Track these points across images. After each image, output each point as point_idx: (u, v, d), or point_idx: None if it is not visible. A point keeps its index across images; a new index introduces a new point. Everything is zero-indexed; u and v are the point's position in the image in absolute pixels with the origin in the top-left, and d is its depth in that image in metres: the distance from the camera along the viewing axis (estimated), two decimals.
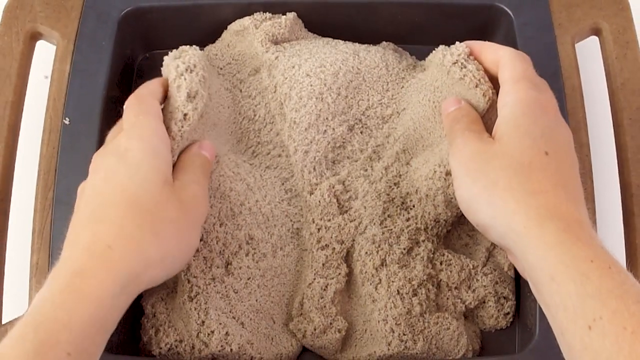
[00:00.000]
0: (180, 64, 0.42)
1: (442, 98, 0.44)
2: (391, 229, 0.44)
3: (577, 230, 0.34)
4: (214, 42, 0.52)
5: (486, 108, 0.41)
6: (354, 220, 0.45)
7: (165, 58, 0.45)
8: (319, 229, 0.45)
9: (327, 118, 0.46)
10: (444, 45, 0.45)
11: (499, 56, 0.41)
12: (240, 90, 0.49)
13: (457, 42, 0.44)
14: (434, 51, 0.46)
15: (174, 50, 0.45)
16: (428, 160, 0.44)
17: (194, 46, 0.46)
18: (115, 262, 0.34)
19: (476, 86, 0.41)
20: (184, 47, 0.45)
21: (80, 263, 0.33)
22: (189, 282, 0.41)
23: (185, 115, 0.41)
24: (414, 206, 0.45)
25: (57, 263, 0.34)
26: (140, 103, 0.40)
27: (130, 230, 0.35)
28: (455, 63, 0.43)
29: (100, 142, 0.45)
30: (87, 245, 0.34)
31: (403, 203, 0.46)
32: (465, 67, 0.42)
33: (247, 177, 0.45)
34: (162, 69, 0.46)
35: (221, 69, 0.50)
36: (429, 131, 0.46)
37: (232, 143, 0.47)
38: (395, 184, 0.46)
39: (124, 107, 0.40)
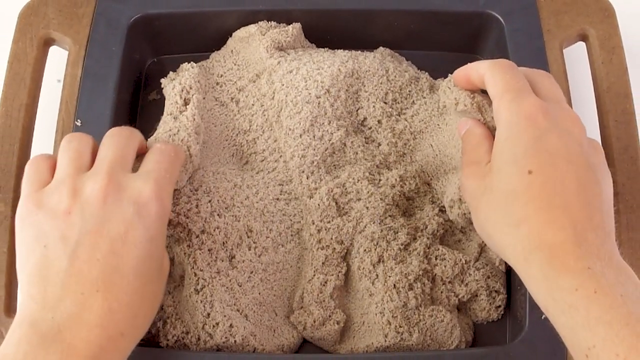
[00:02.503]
0: (177, 84, 0.45)
1: (452, 121, 0.45)
2: (390, 226, 0.44)
3: (561, 256, 0.32)
4: (219, 48, 0.52)
5: (477, 111, 0.40)
6: (353, 220, 0.44)
7: (163, 81, 0.47)
8: (318, 230, 0.44)
9: (323, 123, 0.46)
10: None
11: (482, 74, 0.39)
12: (237, 102, 0.48)
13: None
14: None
15: (171, 73, 0.48)
16: (446, 187, 0.45)
17: (191, 63, 0.47)
18: (123, 350, 0.34)
19: (456, 104, 0.41)
20: (182, 65, 0.47)
21: (95, 348, 0.32)
22: (195, 275, 0.41)
23: (191, 155, 0.42)
24: (422, 215, 0.45)
25: (53, 303, 0.32)
26: (174, 166, 0.38)
27: (141, 319, 0.35)
28: (441, 99, 0.44)
29: None
30: (101, 323, 0.32)
31: (406, 211, 0.46)
32: (444, 92, 0.43)
33: (234, 178, 0.45)
34: (163, 89, 0.47)
35: (221, 76, 0.49)
36: (449, 157, 0.45)
37: (220, 157, 0.47)
38: (408, 198, 0.46)
39: (157, 147, 0.38)
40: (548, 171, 0.33)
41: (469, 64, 0.41)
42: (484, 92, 0.41)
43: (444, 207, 0.45)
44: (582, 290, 0.31)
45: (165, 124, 0.44)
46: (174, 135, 0.43)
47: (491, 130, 0.39)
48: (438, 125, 0.47)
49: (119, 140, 0.38)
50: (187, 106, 0.44)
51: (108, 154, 0.37)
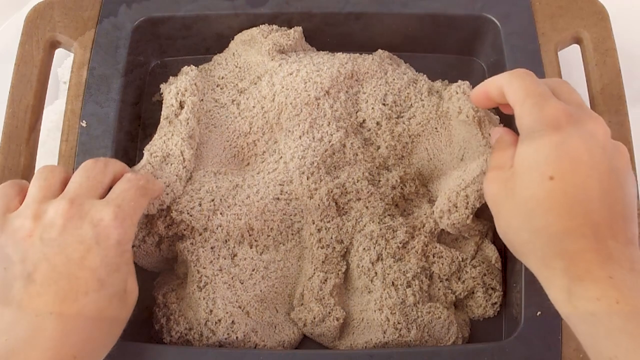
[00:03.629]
0: (173, 88, 0.45)
1: (451, 128, 0.45)
2: (389, 225, 0.44)
3: (582, 265, 0.31)
4: (221, 51, 0.51)
5: (477, 125, 0.41)
6: (352, 220, 0.44)
7: (163, 86, 0.48)
8: (318, 230, 0.44)
9: (322, 125, 0.46)
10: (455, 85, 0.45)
11: (500, 86, 0.37)
12: (238, 104, 0.48)
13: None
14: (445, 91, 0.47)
15: (171, 78, 0.48)
16: (438, 194, 0.45)
17: (191, 66, 0.48)
18: None
19: (459, 112, 0.41)
20: (183, 69, 0.47)
21: None
22: (198, 272, 0.41)
23: (184, 159, 0.43)
24: (420, 213, 0.45)
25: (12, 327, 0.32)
26: (141, 195, 0.37)
27: (96, 342, 0.34)
28: (445, 104, 0.44)
29: (115, 142, 0.44)
30: (54, 346, 0.32)
31: (405, 210, 0.45)
32: (450, 98, 0.43)
33: (235, 178, 0.45)
34: (162, 92, 0.47)
35: (222, 78, 0.49)
36: (442, 162, 0.45)
37: (221, 158, 0.47)
38: (407, 199, 0.46)
39: (127, 176, 0.38)
40: (569, 177, 0.32)
41: (485, 80, 0.39)
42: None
43: None
44: (604, 300, 0.30)
45: (161, 129, 0.44)
46: (168, 140, 0.43)
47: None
48: (436, 128, 0.46)
49: (90, 170, 0.38)
50: (182, 109, 0.44)
51: (76, 182, 0.37)
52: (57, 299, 0.33)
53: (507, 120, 0.45)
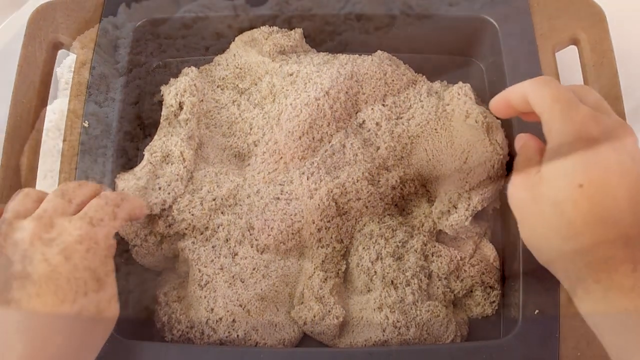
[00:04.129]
0: (172, 89, 0.46)
1: (452, 129, 0.45)
2: (389, 224, 0.44)
3: (614, 276, 0.30)
4: (222, 52, 0.52)
5: (484, 130, 0.41)
6: (352, 219, 0.44)
7: (163, 87, 0.48)
8: (319, 230, 0.44)
9: (322, 125, 0.46)
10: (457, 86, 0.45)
11: (524, 93, 0.36)
12: (239, 105, 0.48)
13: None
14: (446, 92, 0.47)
15: (172, 79, 0.48)
16: (437, 195, 0.45)
17: (191, 67, 0.48)
18: None
19: (467, 117, 0.41)
20: (184, 70, 0.47)
21: None
22: (199, 271, 0.41)
23: (184, 159, 0.43)
24: (418, 212, 0.45)
25: None
26: (116, 210, 0.37)
27: (70, 358, 0.34)
28: (448, 105, 0.44)
29: (115, 142, 0.45)
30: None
31: (404, 210, 0.46)
32: (453, 99, 0.43)
33: (236, 178, 0.45)
34: (162, 94, 0.47)
35: (223, 79, 0.49)
36: (441, 163, 0.45)
37: (222, 158, 0.47)
38: (407, 199, 0.46)
39: (102, 193, 0.38)
40: (599, 185, 0.32)
41: (505, 89, 0.38)
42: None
43: None
44: (638, 311, 0.29)
45: (161, 129, 0.44)
46: (168, 141, 0.43)
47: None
48: (435, 129, 0.46)
49: (64, 190, 0.37)
50: (182, 110, 0.44)
51: (49, 199, 0.36)
52: (25, 318, 0.32)
53: (508, 125, 0.45)
